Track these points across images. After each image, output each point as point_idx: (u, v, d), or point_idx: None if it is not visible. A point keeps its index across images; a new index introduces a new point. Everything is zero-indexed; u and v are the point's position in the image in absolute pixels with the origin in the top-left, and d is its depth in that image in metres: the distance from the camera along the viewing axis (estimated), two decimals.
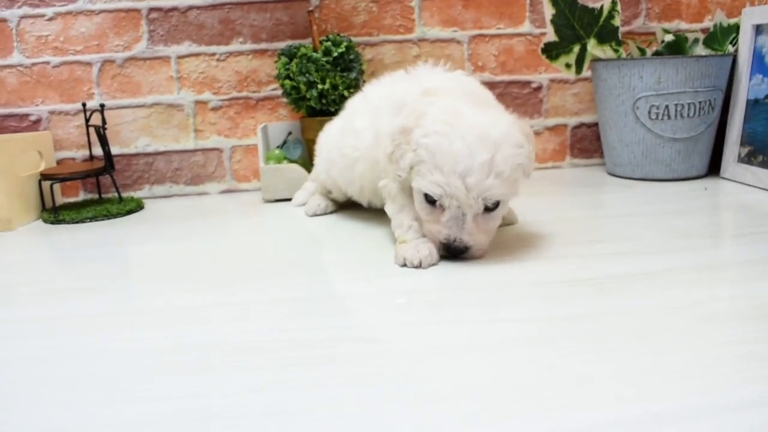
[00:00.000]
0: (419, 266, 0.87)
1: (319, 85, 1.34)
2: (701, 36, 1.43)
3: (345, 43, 1.37)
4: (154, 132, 1.51)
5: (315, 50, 1.38)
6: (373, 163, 1.02)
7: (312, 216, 1.24)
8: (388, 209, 0.98)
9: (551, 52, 1.43)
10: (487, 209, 0.87)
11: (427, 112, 0.87)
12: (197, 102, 1.50)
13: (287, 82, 1.37)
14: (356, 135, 1.06)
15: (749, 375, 0.54)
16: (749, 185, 1.30)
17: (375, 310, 0.75)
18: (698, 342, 0.61)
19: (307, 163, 1.42)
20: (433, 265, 0.88)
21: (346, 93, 1.33)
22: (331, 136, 1.18)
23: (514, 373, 0.57)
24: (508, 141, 0.85)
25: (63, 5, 1.44)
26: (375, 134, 1.00)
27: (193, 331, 0.71)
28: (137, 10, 1.46)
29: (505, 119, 0.88)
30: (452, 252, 0.88)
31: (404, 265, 0.88)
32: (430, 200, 0.87)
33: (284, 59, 1.38)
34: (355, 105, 1.14)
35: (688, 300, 0.72)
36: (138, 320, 0.75)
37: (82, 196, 1.52)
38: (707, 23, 1.51)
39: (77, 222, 1.30)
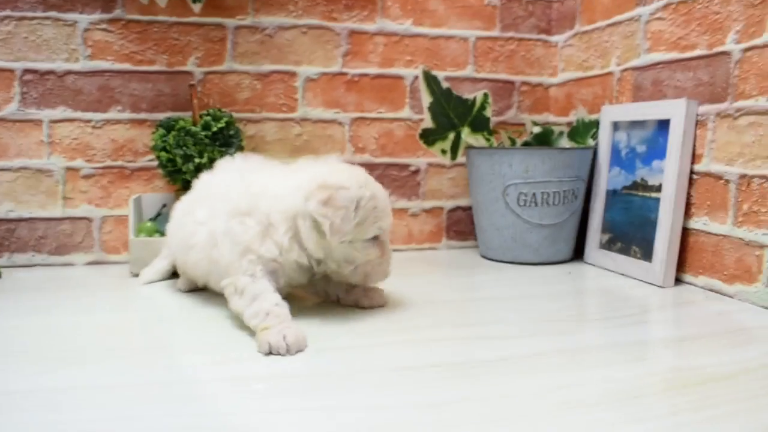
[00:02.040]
0: (287, 353, 0.85)
1: (197, 158, 1.33)
2: (566, 129, 1.53)
3: (225, 119, 1.37)
4: (19, 197, 1.43)
5: (195, 124, 1.37)
6: (210, 261, 1.04)
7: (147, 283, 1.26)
8: (235, 305, 0.96)
9: (428, 137, 1.49)
10: None
11: (334, 179, 0.98)
12: (68, 168, 1.45)
13: (163, 154, 1.35)
14: (194, 224, 1.08)
15: None
16: (610, 270, 1.38)
17: (237, 395, 0.73)
18: (563, 427, 0.63)
19: None
20: (300, 351, 0.86)
21: None
22: (177, 211, 1.19)
23: None
24: None
25: None
26: (211, 234, 1.03)
27: (36, 418, 0.66)
28: (11, 71, 1.41)
29: None
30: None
31: (269, 353, 0.85)
32: (374, 238, 1.02)
33: (162, 131, 1.36)
34: (198, 188, 1.16)
35: (553, 384, 0.75)
36: None
37: None
38: (572, 117, 1.62)
39: None
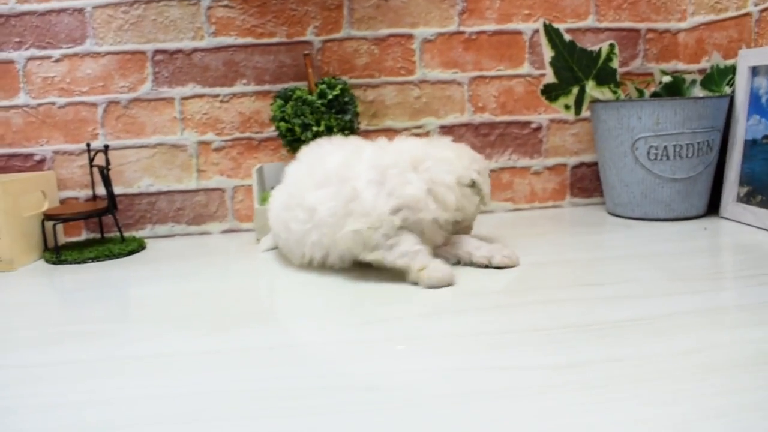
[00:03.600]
0: (450, 284, 0.98)
1: (314, 127, 1.35)
2: (698, 77, 1.45)
3: (340, 86, 1.39)
4: (157, 172, 1.52)
5: (311, 93, 1.39)
6: (337, 228, 1.03)
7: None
8: (377, 253, 1.02)
9: (550, 93, 1.45)
10: None
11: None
12: (200, 142, 1.52)
13: (282, 124, 1.38)
14: (308, 210, 1.07)
15: (750, 425, 0.54)
16: (749, 225, 1.31)
17: (375, 356, 0.75)
18: (699, 390, 0.61)
19: None
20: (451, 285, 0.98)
21: (340, 135, 1.35)
22: (274, 208, 1.19)
23: (516, 422, 0.57)
24: None
25: (70, 47, 1.47)
26: (347, 197, 1.02)
27: (188, 379, 0.71)
28: (143, 53, 1.48)
29: None
30: None
31: (433, 286, 0.98)
32: None
33: (280, 102, 1.40)
34: (301, 178, 1.14)
35: (688, 346, 0.72)
36: (134, 367, 0.75)
37: (84, 236, 1.53)
38: (704, 64, 1.53)
39: (79, 262, 1.31)
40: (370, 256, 1.02)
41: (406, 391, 0.64)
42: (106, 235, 1.50)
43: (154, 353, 0.79)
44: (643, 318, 0.82)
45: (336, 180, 1.06)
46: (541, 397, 0.61)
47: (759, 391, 0.60)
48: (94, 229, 1.52)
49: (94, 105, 1.49)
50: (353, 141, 1.16)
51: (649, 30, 1.61)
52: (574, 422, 0.56)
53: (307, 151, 1.18)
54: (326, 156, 1.12)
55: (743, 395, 0.60)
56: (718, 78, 1.42)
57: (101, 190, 1.46)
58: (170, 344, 0.82)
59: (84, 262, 1.31)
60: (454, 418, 0.58)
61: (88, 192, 1.51)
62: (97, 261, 1.32)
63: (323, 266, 1.12)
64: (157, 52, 1.49)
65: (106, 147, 1.41)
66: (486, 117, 1.58)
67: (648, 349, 0.72)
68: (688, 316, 0.82)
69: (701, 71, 1.53)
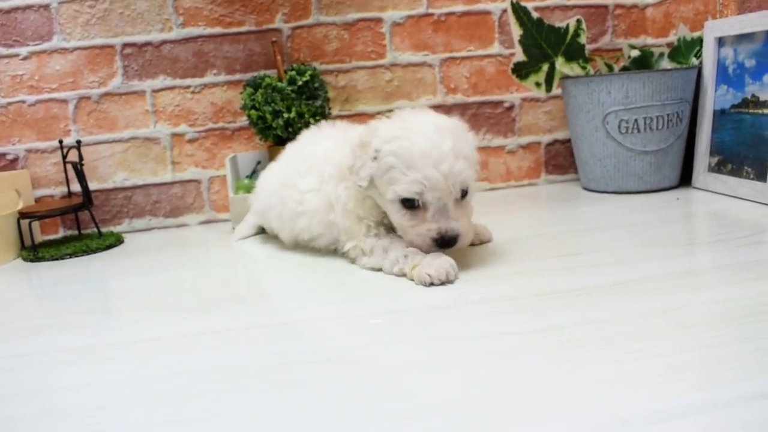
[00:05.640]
0: (446, 281, 0.89)
1: (285, 114, 1.35)
2: (666, 50, 1.46)
3: (309, 72, 1.39)
4: (131, 166, 1.51)
5: (280, 80, 1.39)
6: (326, 224, 1.07)
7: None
8: (369, 263, 1.00)
9: (521, 71, 1.46)
10: (461, 196, 0.93)
11: (379, 126, 0.96)
12: (174, 135, 1.51)
13: (253, 112, 1.38)
14: (300, 194, 1.09)
15: (719, 377, 0.56)
16: (720, 193, 1.33)
17: (351, 331, 0.76)
18: (671, 347, 0.62)
19: None
20: (456, 278, 0.90)
21: (312, 121, 1.35)
22: (270, 182, 1.19)
23: (491, 386, 0.57)
24: (459, 128, 0.96)
25: (37, 44, 1.45)
26: (326, 201, 1.05)
27: (172, 360, 0.71)
28: (111, 46, 1.47)
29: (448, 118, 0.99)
30: (446, 243, 0.92)
31: (431, 283, 0.88)
32: (409, 205, 0.92)
33: (249, 90, 1.39)
34: (296, 160, 1.15)
35: (661, 307, 0.73)
36: (118, 352, 0.76)
37: (61, 233, 1.52)
38: (672, 38, 1.54)
39: (57, 259, 1.30)
40: (366, 265, 1.00)
41: (384, 362, 0.65)
42: (83, 231, 1.49)
43: (135, 339, 0.79)
44: (618, 283, 0.83)
45: (317, 173, 1.08)
46: (514, 361, 0.62)
47: (729, 345, 0.62)
48: (71, 226, 1.51)
49: (64, 101, 1.48)
50: (342, 130, 1.15)
51: (617, 6, 1.62)
52: (548, 381, 0.57)
53: (306, 133, 1.20)
54: (318, 143, 1.13)
55: (715, 350, 0.61)
56: (685, 50, 1.43)
57: (76, 187, 1.46)
58: (152, 330, 0.82)
59: (62, 258, 1.30)
60: (430, 384, 0.59)
61: (63, 189, 1.50)
62: (75, 257, 1.31)
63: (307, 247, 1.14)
64: (125, 45, 1.48)
65: (79, 143, 1.40)
66: (458, 98, 1.59)
67: (623, 311, 0.73)
68: (662, 279, 0.83)
69: (669, 45, 1.54)
